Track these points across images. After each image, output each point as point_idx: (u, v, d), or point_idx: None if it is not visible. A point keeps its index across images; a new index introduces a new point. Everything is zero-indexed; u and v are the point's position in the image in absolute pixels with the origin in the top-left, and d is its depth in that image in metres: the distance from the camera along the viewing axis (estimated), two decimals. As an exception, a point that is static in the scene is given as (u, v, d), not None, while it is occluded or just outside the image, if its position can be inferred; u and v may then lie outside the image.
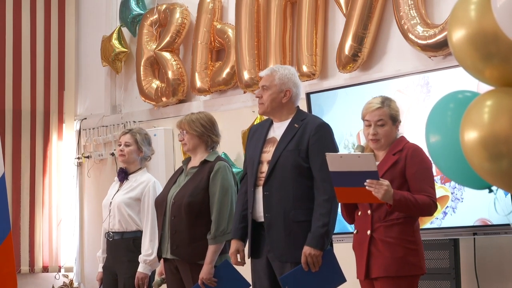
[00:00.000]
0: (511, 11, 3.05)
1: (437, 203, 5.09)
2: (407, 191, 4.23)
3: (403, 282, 4.23)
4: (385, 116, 4.37)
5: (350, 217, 4.50)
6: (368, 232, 4.31)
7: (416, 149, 4.36)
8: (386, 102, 4.40)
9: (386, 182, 4.11)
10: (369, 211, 4.33)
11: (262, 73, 4.80)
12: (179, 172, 5.27)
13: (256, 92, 4.77)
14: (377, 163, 4.41)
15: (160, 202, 5.18)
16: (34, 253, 8.41)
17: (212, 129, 5.16)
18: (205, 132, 5.13)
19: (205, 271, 4.93)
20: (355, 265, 4.45)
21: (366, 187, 4.10)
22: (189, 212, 5.00)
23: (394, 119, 4.39)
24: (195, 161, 5.17)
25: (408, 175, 4.29)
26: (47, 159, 8.57)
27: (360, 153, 4.23)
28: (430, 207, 4.25)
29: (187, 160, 5.26)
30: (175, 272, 5.11)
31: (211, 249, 4.96)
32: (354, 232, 4.45)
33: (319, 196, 4.53)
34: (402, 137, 4.44)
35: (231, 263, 4.93)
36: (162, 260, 5.17)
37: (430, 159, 4.36)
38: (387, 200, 4.12)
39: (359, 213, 4.41)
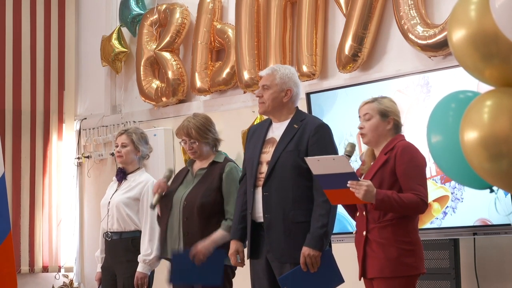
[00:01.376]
0: (510, 11, 3.05)
1: (437, 202, 5.09)
2: (392, 190, 4.20)
3: (399, 282, 4.21)
4: (371, 110, 4.36)
5: (353, 216, 4.50)
6: (364, 233, 4.31)
7: (406, 147, 4.32)
8: (378, 99, 4.41)
9: (365, 183, 4.10)
10: (364, 212, 4.33)
11: (263, 73, 4.79)
12: (184, 173, 5.26)
13: (257, 92, 4.77)
14: (373, 163, 4.41)
15: (165, 204, 5.16)
16: (34, 253, 8.41)
17: (215, 131, 5.19)
18: (213, 136, 5.16)
19: (205, 245, 4.92)
20: (354, 265, 4.46)
21: (350, 188, 4.11)
22: (201, 213, 5.00)
23: (384, 114, 4.36)
24: (203, 163, 5.17)
25: (398, 174, 4.26)
26: (47, 159, 8.57)
27: (334, 155, 4.24)
28: (417, 206, 4.20)
29: (191, 161, 5.26)
30: None
31: (221, 232, 4.95)
32: (354, 231, 4.46)
33: (318, 197, 4.52)
34: (398, 135, 4.40)
35: (225, 255, 4.91)
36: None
37: (424, 157, 4.35)
38: (369, 200, 4.11)
39: (357, 214, 4.41)
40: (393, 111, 4.39)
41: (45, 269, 8.44)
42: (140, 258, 5.53)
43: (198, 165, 5.19)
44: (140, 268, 5.51)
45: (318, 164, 4.14)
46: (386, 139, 4.38)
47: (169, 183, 5.23)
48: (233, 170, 5.07)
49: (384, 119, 4.36)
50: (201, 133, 5.13)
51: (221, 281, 4.95)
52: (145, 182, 5.69)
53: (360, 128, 4.39)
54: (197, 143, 5.13)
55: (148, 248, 5.52)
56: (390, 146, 4.34)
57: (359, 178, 4.14)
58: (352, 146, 4.31)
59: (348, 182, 4.09)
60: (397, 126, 4.40)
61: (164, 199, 5.18)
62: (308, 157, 4.22)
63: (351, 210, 4.49)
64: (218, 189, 5.04)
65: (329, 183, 4.16)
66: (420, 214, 4.32)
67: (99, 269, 5.80)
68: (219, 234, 4.96)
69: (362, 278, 4.38)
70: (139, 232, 5.61)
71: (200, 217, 5.00)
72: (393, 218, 4.24)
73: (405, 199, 4.17)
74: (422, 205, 4.22)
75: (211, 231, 5.00)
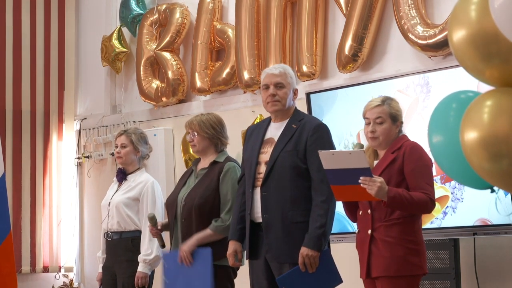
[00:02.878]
0: (508, 11, 3.05)
1: (437, 202, 5.09)
2: (402, 188, 4.21)
3: (403, 281, 4.22)
4: (384, 114, 4.36)
5: (352, 216, 4.50)
6: (369, 231, 4.30)
7: (414, 147, 4.34)
8: (387, 101, 4.40)
9: (379, 179, 4.10)
10: (369, 211, 4.32)
11: (275, 71, 4.72)
12: (188, 173, 5.27)
13: (271, 90, 4.69)
14: (377, 162, 4.41)
15: (170, 204, 5.16)
16: (36, 253, 8.41)
17: (222, 131, 5.17)
18: (215, 134, 5.14)
19: (188, 243, 4.93)
20: (353, 265, 4.45)
21: (361, 185, 4.10)
22: (199, 214, 4.99)
23: (394, 118, 4.38)
24: (205, 162, 5.17)
25: (405, 173, 4.27)
26: (47, 159, 8.57)
27: (351, 150, 4.22)
28: (426, 204, 4.22)
29: (196, 161, 5.26)
30: None
31: (208, 232, 4.94)
32: (356, 231, 4.45)
33: (317, 197, 4.52)
34: (403, 135, 4.42)
35: (210, 253, 4.90)
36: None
37: (430, 157, 4.35)
38: (381, 197, 4.11)
39: (360, 213, 4.40)
40: (401, 114, 4.42)
41: (45, 269, 8.44)
42: (140, 258, 5.53)
43: (201, 165, 5.20)
44: (140, 268, 5.51)
45: (331, 158, 4.11)
46: (392, 141, 4.39)
47: (159, 226, 5.20)
48: (231, 169, 5.05)
49: (394, 122, 4.38)
50: (202, 126, 5.13)
51: (210, 280, 4.92)
52: (145, 182, 5.70)
53: (372, 131, 4.37)
54: (196, 136, 5.13)
55: (148, 248, 5.52)
56: (397, 145, 4.34)
57: (373, 175, 4.13)
58: (361, 147, 4.30)
59: (361, 178, 4.09)
60: (401, 127, 4.44)
61: (170, 201, 5.20)
62: (322, 151, 4.18)
63: (351, 210, 4.48)
64: (216, 189, 5.03)
65: (338, 178, 4.13)
66: (427, 213, 4.34)
67: (100, 269, 5.80)
68: (203, 233, 4.95)
69: (363, 278, 4.37)
70: (139, 232, 5.62)
71: (198, 217, 5.00)
72: (400, 217, 4.24)
73: (415, 198, 4.18)
74: (430, 204, 4.24)
75: None
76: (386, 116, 4.36)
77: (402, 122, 4.42)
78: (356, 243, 4.45)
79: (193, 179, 5.17)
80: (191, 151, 6.95)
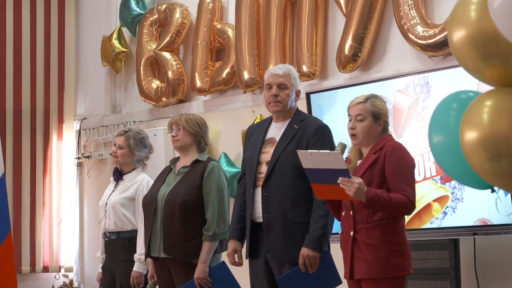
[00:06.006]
0: (507, 11, 3.04)
1: (437, 202, 5.09)
2: (381, 190, 4.15)
3: (387, 283, 4.16)
4: (364, 112, 4.32)
5: (336, 215, 4.45)
6: (351, 233, 4.26)
7: (396, 147, 4.27)
8: (371, 99, 4.35)
9: (357, 180, 4.06)
10: (351, 212, 4.27)
11: (279, 71, 4.73)
12: (167, 172, 5.27)
13: (274, 90, 4.70)
14: (360, 161, 4.38)
15: (149, 201, 5.17)
16: (35, 253, 8.41)
17: (206, 131, 5.21)
18: (199, 132, 5.16)
19: (200, 270, 4.93)
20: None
21: (340, 185, 4.08)
22: (183, 211, 5.00)
23: (376, 116, 4.31)
24: (186, 161, 5.18)
25: (386, 173, 4.21)
26: (47, 159, 8.58)
27: (329, 151, 4.20)
28: (406, 206, 4.15)
29: (175, 160, 5.27)
30: (167, 272, 5.10)
31: (206, 247, 4.95)
32: (340, 232, 4.41)
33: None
34: (387, 135, 4.35)
35: (227, 265, 4.93)
36: (152, 263, 5.18)
37: (412, 157, 4.31)
38: (359, 198, 4.06)
39: (343, 213, 4.35)
40: (384, 112, 4.35)
41: (45, 269, 8.45)
42: (135, 257, 5.53)
43: (181, 163, 5.21)
44: (136, 267, 5.51)
45: (310, 158, 4.10)
46: (375, 139, 4.34)
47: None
48: (215, 169, 5.07)
49: (376, 121, 4.32)
50: (189, 122, 5.15)
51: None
52: (140, 181, 5.71)
53: (352, 128, 4.34)
54: (181, 131, 5.14)
55: (143, 247, 5.51)
56: (379, 145, 4.29)
57: (351, 176, 4.11)
58: (343, 146, 4.27)
59: (339, 178, 4.07)
60: (386, 127, 4.38)
61: (148, 199, 5.19)
62: (300, 151, 4.18)
63: (334, 209, 4.43)
64: (199, 187, 5.05)
65: (318, 177, 4.11)
66: (407, 215, 4.27)
67: (100, 270, 5.80)
68: (206, 250, 4.96)
69: (347, 279, 4.33)
70: (136, 231, 5.61)
71: (181, 214, 5.01)
72: (381, 219, 4.19)
73: (395, 199, 4.12)
74: (410, 206, 4.17)
75: (192, 230, 5.00)
76: (367, 114, 4.32)
77: (386, 121, 4.35)
78: (340, 243, 4.41)
79: (173, 177, 5.17)
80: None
